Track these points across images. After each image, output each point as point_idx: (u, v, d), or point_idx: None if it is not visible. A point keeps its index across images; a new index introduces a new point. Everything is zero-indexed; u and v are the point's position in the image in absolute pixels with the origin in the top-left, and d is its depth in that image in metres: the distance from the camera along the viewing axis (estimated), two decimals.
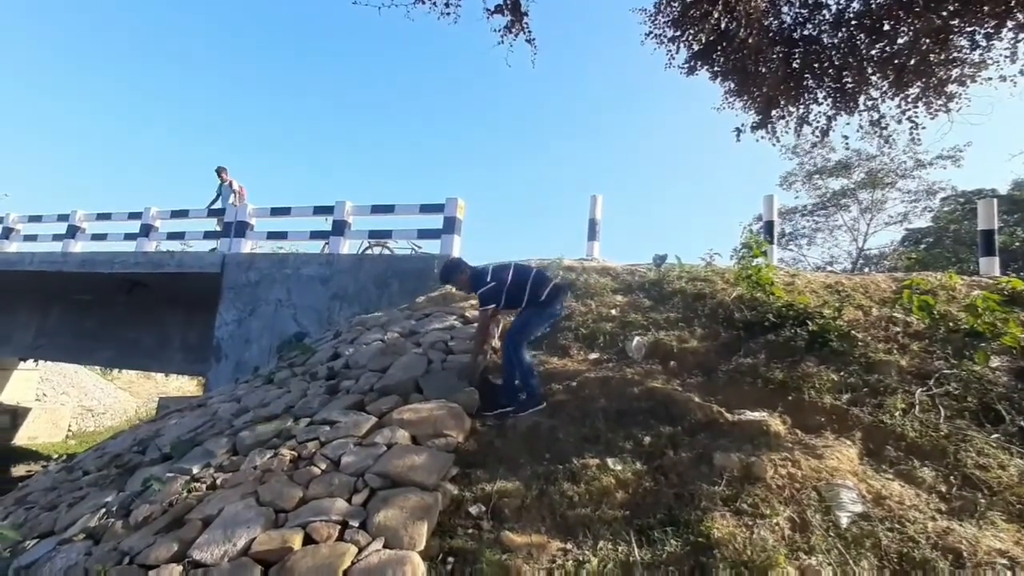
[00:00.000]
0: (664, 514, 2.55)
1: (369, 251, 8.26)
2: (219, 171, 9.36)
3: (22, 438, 19.46)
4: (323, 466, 2.95)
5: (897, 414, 3.09)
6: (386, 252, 8.14)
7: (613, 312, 4.68)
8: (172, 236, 9.26)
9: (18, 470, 16.07)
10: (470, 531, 2.59)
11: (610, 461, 2.93)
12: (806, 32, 4.56)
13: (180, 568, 2.40)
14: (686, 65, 4.86)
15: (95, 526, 2.95)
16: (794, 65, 4.57)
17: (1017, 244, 12.97)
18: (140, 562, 2.52)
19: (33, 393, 20.64)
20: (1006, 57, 4.48)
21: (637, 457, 2.97)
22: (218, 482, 3.06)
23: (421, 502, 2.57)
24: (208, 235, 8.87)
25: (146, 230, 9.20)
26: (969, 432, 2.93)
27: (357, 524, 2.47)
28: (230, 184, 9.25)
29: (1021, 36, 4.37)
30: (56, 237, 9.97)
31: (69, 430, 21.19)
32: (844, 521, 2.39)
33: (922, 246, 15.06)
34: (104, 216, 9.75)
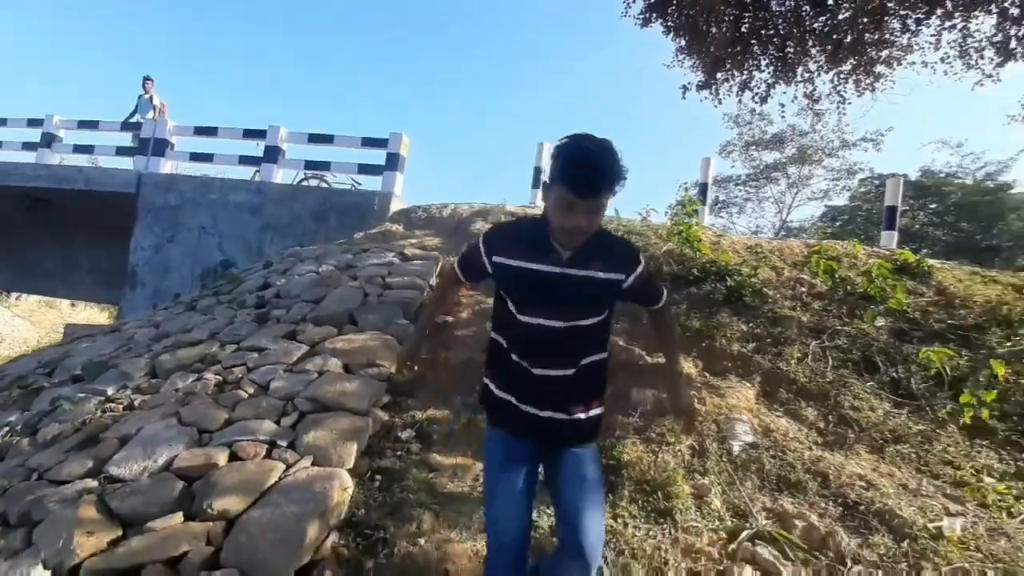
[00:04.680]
0: None
1: (305, 182, 7.86)
2: (145, 81, 8.44)
3: None
4: (251, 390, 2.93)
5: (792, 362, 3.44)
6: (323, 185, 7.77)
7: None
8: (79, 149, 8.34)
9: None
10: (399, 453, 2.69)
11: None
12: None
13: (95, 483, 2.35)
14: (641, 16, 4.86)
15: None
16: (743, 29, 4.68)
17: (917, 226, 14.32)
18: (51, 477, 2.45)
19: None
20: (931, 44, 4.81)
21: None
22: (135, 403, 2.97)
23: (352, 424, 2.64)
24: (122, 151, 8.07)
25: (48, 140, 8.24)
26: (849, 380, 3.32)
27: (285, 444, 2.50)
28: (151, 98, 8.39)
29: (946, 25, 4.69)
30: None
31: None
32: (736, 449, 2.69)
33: (838, 222, 16.26)
34: (1, 122, 8.60)
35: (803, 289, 4.25)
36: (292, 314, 3.75)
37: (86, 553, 1.98)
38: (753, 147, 17.05)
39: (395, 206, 6.86)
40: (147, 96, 8.43)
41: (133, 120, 8.29)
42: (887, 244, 5.76)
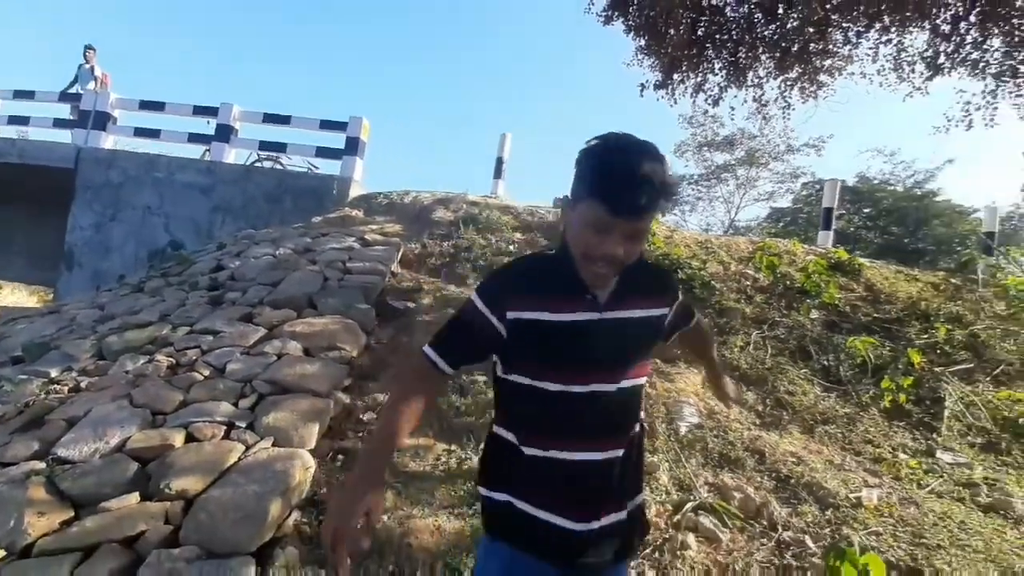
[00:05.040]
0: None
1: (259, 164, 7.61)
2: (86, 50, 7.91)
3: None
4: (206, 372, 2.89)
5: (736, 350, 3.68)
6: (278, 167, 7.55)
7: (511, 248, 4.89)
8: (14, 120, 7.74)
9: None
10: (360, 434, 2.73)
11: None
12: (713, 1, 4.87)
13: (43, 464, 2.28)
14: (604, 14, 4.99)
15: None
16: (699, 32, 4.89)
17: (852, 229, 15.29)
18: None
19: None
20: (869, 56, 5.17)
21: None
22: (82, 385, 2.86)
23: (313, 406, 2.65)
24: (59, 123, 7.55)
25: None
26: (786, 366, 3.59)
27: (244, 425, 2.49)
28: (92, 68, 7.88)
29: (883, 39, 5.06)
30: None
31: None
32: (683, 429, 2.87)
33: (781, 223, 17.15)
34: None
35: (747, 283, 4.52)
36: (248, 297, 3.69)
37: (38, 533, 1.93)
38: (705, 148, 17.68)
39: (355, 191, 6.77)
40: (88, 66, 7.92)
41: (72, 91, 7.77)
42: (823, 243, 6.17)
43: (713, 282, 4.35)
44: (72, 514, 2.05)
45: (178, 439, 2.36)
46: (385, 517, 2.21)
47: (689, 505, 2.37)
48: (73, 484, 2.15)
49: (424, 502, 2.34)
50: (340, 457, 2.52)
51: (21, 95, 7.79)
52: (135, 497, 2.08)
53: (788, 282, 4.52)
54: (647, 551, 2.12)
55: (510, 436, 1.04)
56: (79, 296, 6.50)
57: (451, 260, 4.72)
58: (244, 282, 3.92)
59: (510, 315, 0.97)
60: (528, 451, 1.01)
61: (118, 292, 4.37)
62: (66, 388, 2.84)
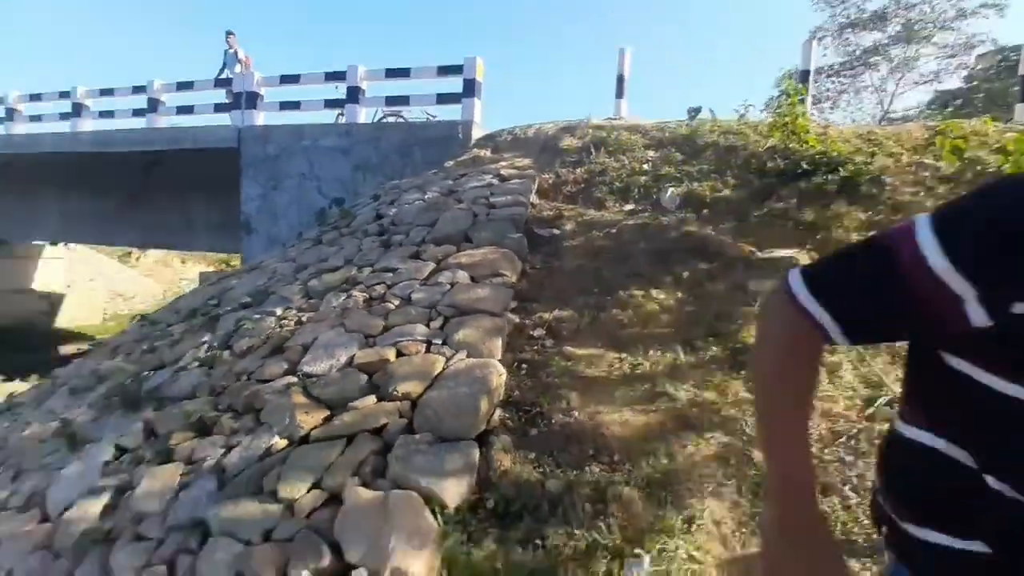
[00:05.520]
0: (705, 329, 2.92)
1: (385, 120, 8.08)
2: (227, 36, 8.83)
3: (61, 321, 20.58)
4: (396, 303, 3.31)
5: None
6: (401, 121, 7.97)
7: (645, 167, 4.78)
8: (181, 111, 9.00)
9: (67, 348, 17.32)
10: (535, 348, 3.00)
11: (654, 292, 3.27)
12: None
13: (295, 378, 2.85)
14: None
15: (204, 357, 3.40)
16: None
17: None
18: (257, 378, 2.97)
19: (62, 280, 21.40)
20: None
21: (678, 288, 3.31)
22: (303, 319, 3.45)
23: (493, 324, 2.95)
24: (219, 108, 8.63)
25: (153, 104, 8.95)
26: None
27: (440, 342, 2.86)
28: (235, 52, 8.79)
29: None
30: (63, 116, 9.71)
31: (104, 313, 22.35)
32: None
33: (950, 108, 14.45)
34: (107, 92, 9.42)
35: (926, 174, 4.01)
36: (411, 238, 4.08)
37: (309, 426, 2.46)
38: (848, 29, 15.18)
39: (476, 133, 6.95)
40: (232, 51, 8.83)
41: (223, 76, 8.76)
42: (1023, 119, 5.18)
43: (883, 177, 3.92)
44: (328, 413, 2.56)
45: (391, 355, 2.78)
46: (575, 414, 2.46)
47: (882, 399, 2.32)
48: (323, 391, 2.67)
49: (606, 401, 2.55)
50: (524, 367, 2.81)
51: (183, 86, 8.96)
52: (372, 399, 2.54)
53: (979, 167, 3.92)
54: (842, 440, 2.14)
55: (958, 454, 0.66)
56: (258, 257, 7.63)
57: (586, 186, 4.75)
58: (404, 225, 4.33)
59: (1019, 308, 0.53)
60: (995, 484, 0.62)
61: (301, 247, 5.06)
62: (292, 322, 3.45)
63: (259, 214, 8.17)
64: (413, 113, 8.12)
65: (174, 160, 9.46)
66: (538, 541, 1.87)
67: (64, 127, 9.69)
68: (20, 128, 10.32)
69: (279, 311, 3.62)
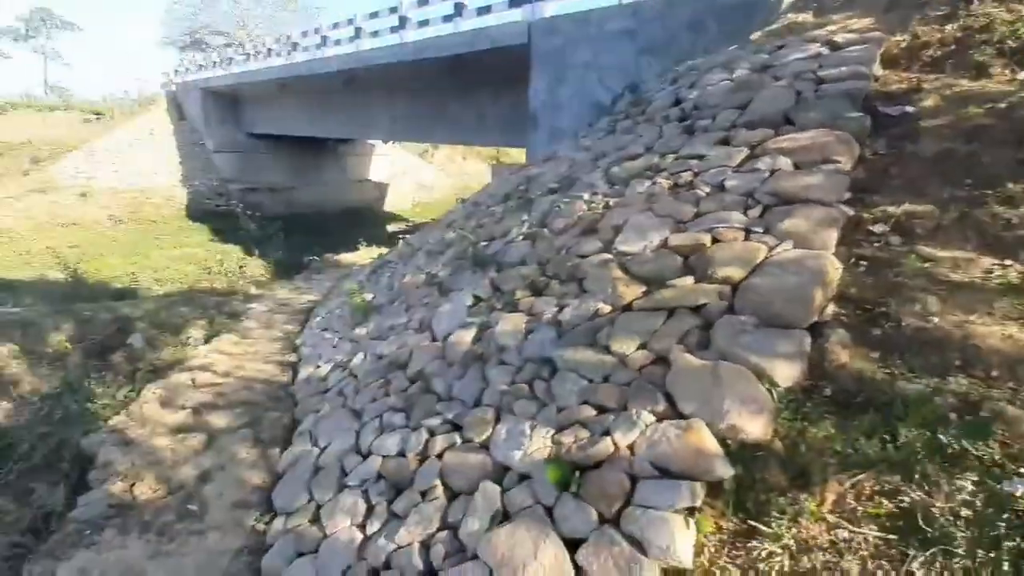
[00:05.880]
0: None
1: None
2: None
3: (387, 205, 26.40)
4: (706, 190, 3.25)
5: None
6: None
7: None
8: (481, 11, 9.83)
9: (391, 227, 22.36)
10: (875, 244, 2.64)
11: None
12: None
13: (610, 255, 3.15)
14: None
15: (527, 232, 4.00)
16: None
17: None
18: (575, 252, 3.38)
19: (386, 173, 27.15)
20: None
21: None
22: (610, 204, 3.70)
23: (825, 214, 2.68)
24: (513, 3, 9.13)
25: (459, 8, 9.97)
26: None
27: (760, 230, 2.75)
28: None
29: None
30: (392, 30, 11.65)
31: (412, 200, 27.81)
32: None
33: None
34: (424, 2, 10.83)
35: None
36: (719, 122, 3.85)
37: (629, 297, 2.74)
38: None
39: None
40: None
41: None
42: None
43: None
44: (644, 288, 2.79)
45: (707, 240, 2.81)
46: (934, 319, 2.15)
47: None
48: (639, 269, 2.89)
49: (979, 311, 2.14)
50: (863, 263, 2.52)
51: None
52: (690, 280, 2.66)
53: None
54: None
55: None
56: (542, 149, 8.26)
57: (958, 48, 3.66)
58: (709, 109, 4.09)
59: None
60: None
61: (594, 136, 5.28)
62: (600, 206, 3.74)
63: (544, 108, 8.71)
64: None
65: (471, 62, 10.60)
66: (886, 436, 1.80)
67: (395, 39, 11.65)
68: (366, 44, 12.81)
69: (586, 195, 3.95)
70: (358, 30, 12.79)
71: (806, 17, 5.05)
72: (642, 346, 2.45)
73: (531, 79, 8.75)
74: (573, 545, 1.82)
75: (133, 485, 3.06)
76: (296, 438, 3.40)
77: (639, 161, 3.98)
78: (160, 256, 13.95)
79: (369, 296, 5.09)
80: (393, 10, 11.53)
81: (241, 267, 10.08)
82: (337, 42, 14.02)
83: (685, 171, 3.54)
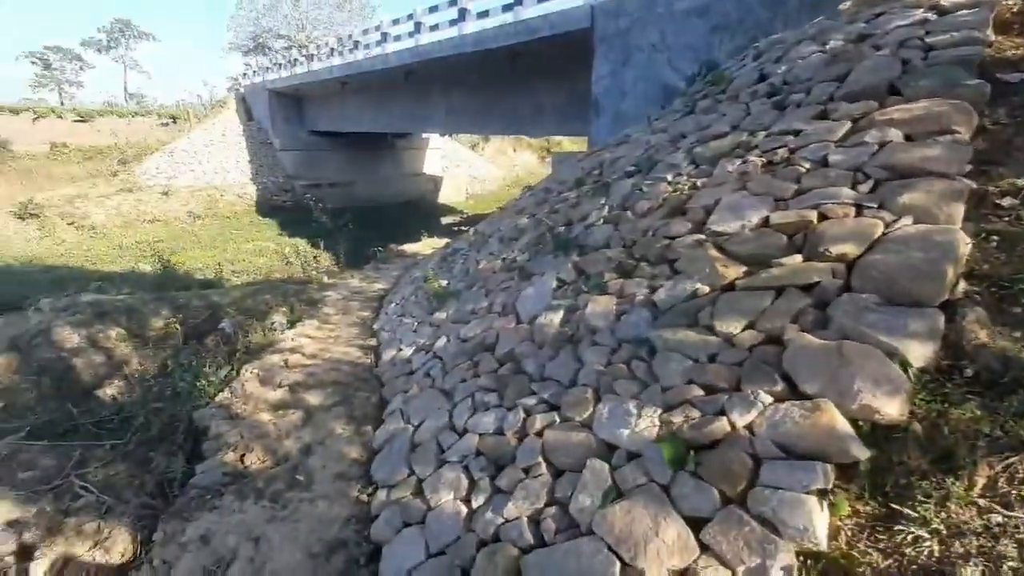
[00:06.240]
0: None
1: None
2: None
3: (441, 198, 26.82)
4: (807, 166, 3.10)
5: None
6: None
7: None
8: None
9: (446, 219, 22.70)
10: (1006, 219, 2.44)
11: None
12: None
13: (702, 236, 3.06)
14: None
15: (608, 216, 3.96)
16: None
17: None
18: (663, 234, 3.31)
19: (440, 166, 27.57)
20: None
21: None
22: (697, 184, 3.59)
23: (948, 186, 2.50)
24: None
25: None
26: None
27: (874, 205, 2.59)
28: None
29: None
30: (451, 23, 11.76)
31: (466, 192, 28.13)
32: None
33: None
34: None
35: None
36: (814, 96, 3.66)
37: (729, 278, 2.66)
38: None
39: None
40: None
41: None
42: None
43: None
44: (745, 268, 2.70)
45: (813, 217, 2.68)
46: None
47: None
48: (739, 248, 2.80)
49: None
50: (994, 239, 2.34)
51: None
52: (798, 258, 2.54)
53: None
54: None
55: None
56: (606, 135, 8.13)
57: None
58: (801, 83, 3.90)
59: None
60: None
61: (670, 118, 5.14)
62: (686, 187, 3.64)
63: (607, 93, 8.56)
64: None
65: (529, 51, 10.56)
66: None
67: (454, 32, 11.76)
68: (424, 38, 13.00)
69: (669, 177, 3.85)
70: (418, 25, 13.00)
71: None
72: (749, 326, 2.37)
73: (594, 64, 8.61)
74: (693, 524, 1.80)
75: (243, 456, 3.26)
76: (387, 417, 3.52)
77: (726, 140, 3.84)
78: (235, 249, 14.78)
79: (443, 282, 5.19)
80: (453, 3, 11.63)
81: (315, 257, 10.56)
82: (397, 38, 14.31)
83: (780, 148, 3.38)
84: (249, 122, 22.41)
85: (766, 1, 6.43)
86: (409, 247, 11.35)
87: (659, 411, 2.22)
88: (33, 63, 44.34)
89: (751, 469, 1.83)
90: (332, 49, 17.54)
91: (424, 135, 25.67)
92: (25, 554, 2.89)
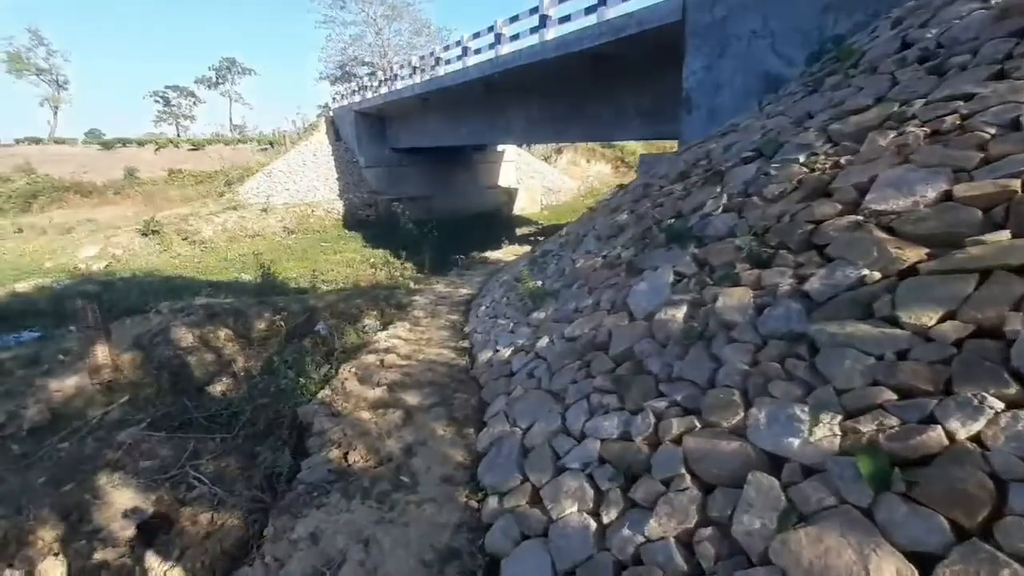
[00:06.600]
0: None
1: None
2: None
3: (515, 209, 26.92)
4: (991, 131, 2.57)
5: None
6: None
7: None
8: None
9: (521, 230, 22.68)
10: None
11: None
12: None
13: (859, 217, 2.61)
14: None
15: (729, 204, 3.56)
16: None
17: None
18: (805, 219, 2.88)
19: (514, 178, 27.76)
20: None
21: None
22: (840, 162, 3.13)
23: None
24: None
25: None
26: None
27: None
28: None
29: None
30: (532, 31, 11.73)
31: (541, 203, 28.08)
32: None
33: None
34: None
35: None
36: (984, 56, 3.10)
37: (909, 261, 2.21)
38: None
39: None
40: None
41: None
42: None
43: None
44: (927, 251, 2.24)
45: (1017, 186, 2.18)
46: None
47: None
48: (915, 228, 2.34)
49: None
50: None
51: None
52: (1006, 234, 2.06)
53: None
54: None
55: None
56: (699, 134, 7.64)
57: None
58: (963, 44, 3.33)
59: None
60: None
61: (787, 100, 4.66)
62: (827, 166, 3.18)
63: (700, 88, 8.07)
64: None
65: (612, 54, 10.26)
66: None
67: (534, 40, 11.72)
68: (504, 49, 13.09)
69: (801, 158, 3.40)
70: (498, 36, 13.11)
71: None
72: (949, 316, 1.93)
73: (685, 59, 8.16)
74: (915, 560, 1.40)
75: (347, 453, 3.18)
76: (491, 419, 3.32)
77: (871, 112, 3.34)
78: (324, 260, 15.52)
79: (538, 283, 4.97)
80: (534, 10, 11.61)
81: (403, 264, 10.81)
82: (477, 51, 14.56)
83: (948, 115, 2.86)
84: (337, 142, 23.73)
85: None
86: (490, 254, 11.31)
87: (837, 417, 1.83)
88: (156, 101, 50.10)
89: (992, 493, 1.41)
90: (415, 68, 18.17)
91: (499, 148, 26.00)
92: (145, 540, 2.94)
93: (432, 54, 17.26)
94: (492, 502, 2.54)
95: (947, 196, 2.39)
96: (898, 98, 3.32)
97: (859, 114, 3.43)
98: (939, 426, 1.60)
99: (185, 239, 17.10)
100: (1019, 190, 2.19)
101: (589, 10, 10.19)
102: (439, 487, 2.78)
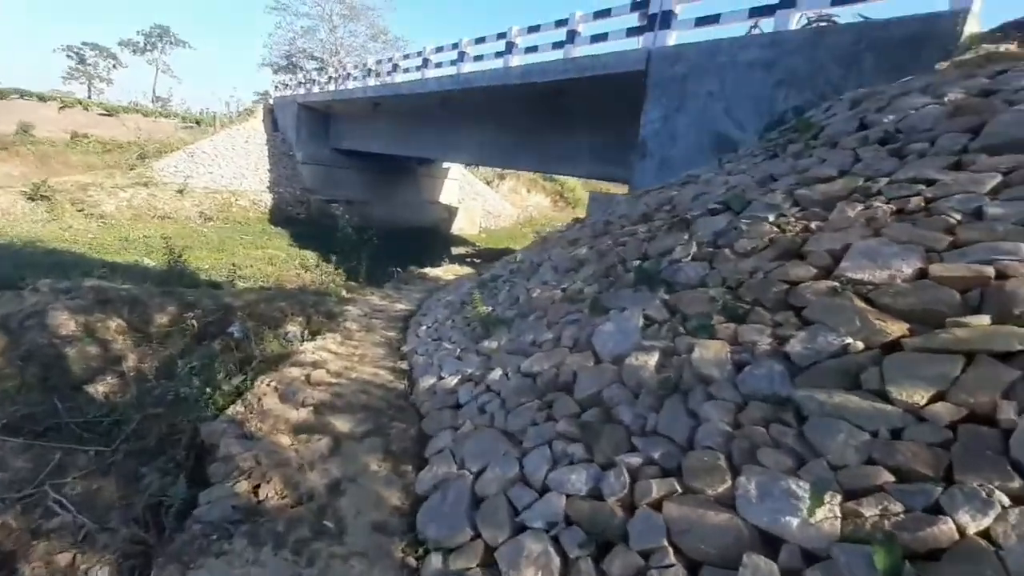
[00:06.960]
0: None
1: (816, 24, 6.96)
2: None
3: (454, 228, 26.63)
4: (957, 217, 2.69)
5: None
6: (841, 24, 6.71)
7: None
8: (595, 39, 9.70)
9: (457, 249, 22.36)
10: None
11: None
12: None
13: (835, 284, 2.61)
14: None
15: (698, 253, 3.52)
16: None
17: None
18: (778, 277, 2.86)
19: (457, 197, 27.53)
20: None
21: None
22: (811, 227, 3.18)
23: None
24: (631, 32, 8.94)
25: (571, 36, 9.89)
26: None
27: None
28: None
29: None
30: (497, 55, 11.74)
31: (479, 225, 27.98)
32: None
33: None
34: (534, 29, 10.86)
35: None
36: (941, 146, 3.31)
37: (892, 335, 2.19)
38: None
39: (971, 28, 5.32)
40: None
41: None
42: None
43: None
44: (908, 326, 2.24)
45: (989, 272, 2.25)
46: None
47: None
48: (894, 301, 2.35)
49: None
50: None
51: (600, 14, 9.55)
52: (985, 319, 2.09)
53: None
54: None
55: None
56: (650, 181, 7.85)
57: None
58: (920, 133, 3.56)
59: None
60: None
61: (748, 160, 4.82)
62: (797, 228, 3.22)
63: (656, 137, 8.34)
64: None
65: (574, 90, 10.45)
66: None
67: (498, 64, 11.72)
68: (466, 68, 12.99)
69: (771, 217, 3.45)
70: (462, 54, 13.01)
71: (1009, 47, 4.49)
72: (939, 396, 1.89)
73: (644, 107, 8.42)
74: None
75: (258, 486, 2.68)
76: (434, 456, 2.96)
77: (836, 184, 3.46)
78: (244, 254, 14.31)
79: (488, 309, 4.70)
80: (501, 35, 11.64)
81: (335, 269, 10.11)
82: (438, 64, 14.35)
83: (914, 195, 2.99)
84: (274, 133, 22.40)
85: (839, 62, 6.25)
86: (429, 270, 10.90)
87: (837, 497, 1.70)
88: (68, 56, 45.16)
89: None
90: (370, 70, 17.64)
91: (445, 164, 25.72)
92: None
93: (390, 59, 16.87)
94: (435, 560, 2.20)
95: (923, 274, 2.43)
96: (863, 173, 3.46)
97: (825, 183, 3.54)
98: (949, 518, 1.51)
99: (81, 211, 15.16)
100: (993, 277, 2.26)
101: (556, 45, 10.33)
102: (370, 537, 2.38)
